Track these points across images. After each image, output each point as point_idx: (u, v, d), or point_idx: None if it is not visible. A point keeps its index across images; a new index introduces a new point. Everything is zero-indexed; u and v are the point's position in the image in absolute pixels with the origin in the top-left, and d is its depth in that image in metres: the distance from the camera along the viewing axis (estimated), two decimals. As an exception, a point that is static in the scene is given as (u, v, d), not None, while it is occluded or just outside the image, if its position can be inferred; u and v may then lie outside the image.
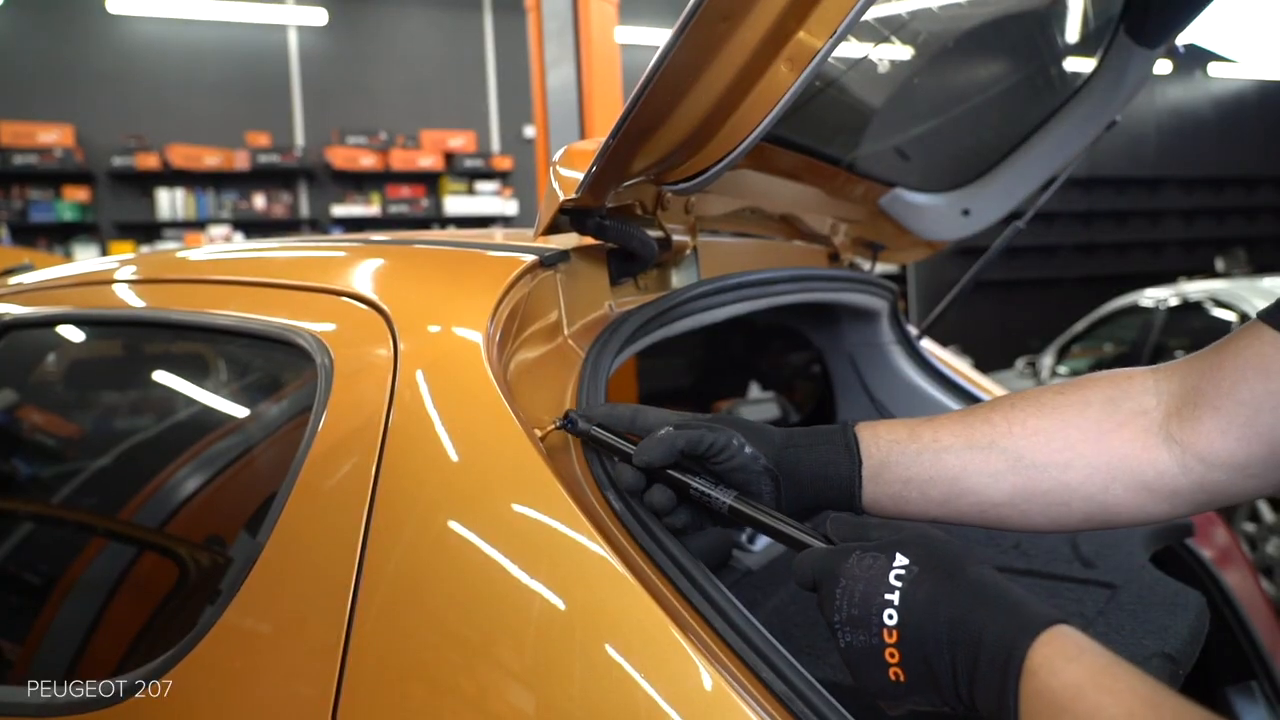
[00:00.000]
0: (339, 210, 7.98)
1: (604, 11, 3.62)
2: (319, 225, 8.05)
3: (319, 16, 8.01)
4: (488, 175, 8.45)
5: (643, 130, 0.72)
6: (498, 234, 1.30)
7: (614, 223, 0.87)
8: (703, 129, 0.73)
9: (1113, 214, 9.81)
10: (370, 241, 1.12)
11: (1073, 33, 1.65)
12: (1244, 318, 3.98)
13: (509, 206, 8.46)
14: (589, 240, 0.92)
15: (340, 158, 7.90)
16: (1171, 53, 1.65)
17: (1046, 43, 1.66)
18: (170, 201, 7.51)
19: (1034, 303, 9.32)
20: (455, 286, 0.92)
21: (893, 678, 0.55)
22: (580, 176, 0.76)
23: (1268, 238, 10.23)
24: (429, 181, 8.33)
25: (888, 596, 0.55)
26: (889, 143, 1.60)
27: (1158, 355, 4.57)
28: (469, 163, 8.31)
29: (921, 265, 8.10)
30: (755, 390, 2.22)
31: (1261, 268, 8.21)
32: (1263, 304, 0.66)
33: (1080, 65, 1.69)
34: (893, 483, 0.71)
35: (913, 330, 1.77)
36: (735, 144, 0.72)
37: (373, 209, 8.08)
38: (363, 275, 0.98)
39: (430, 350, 0.82)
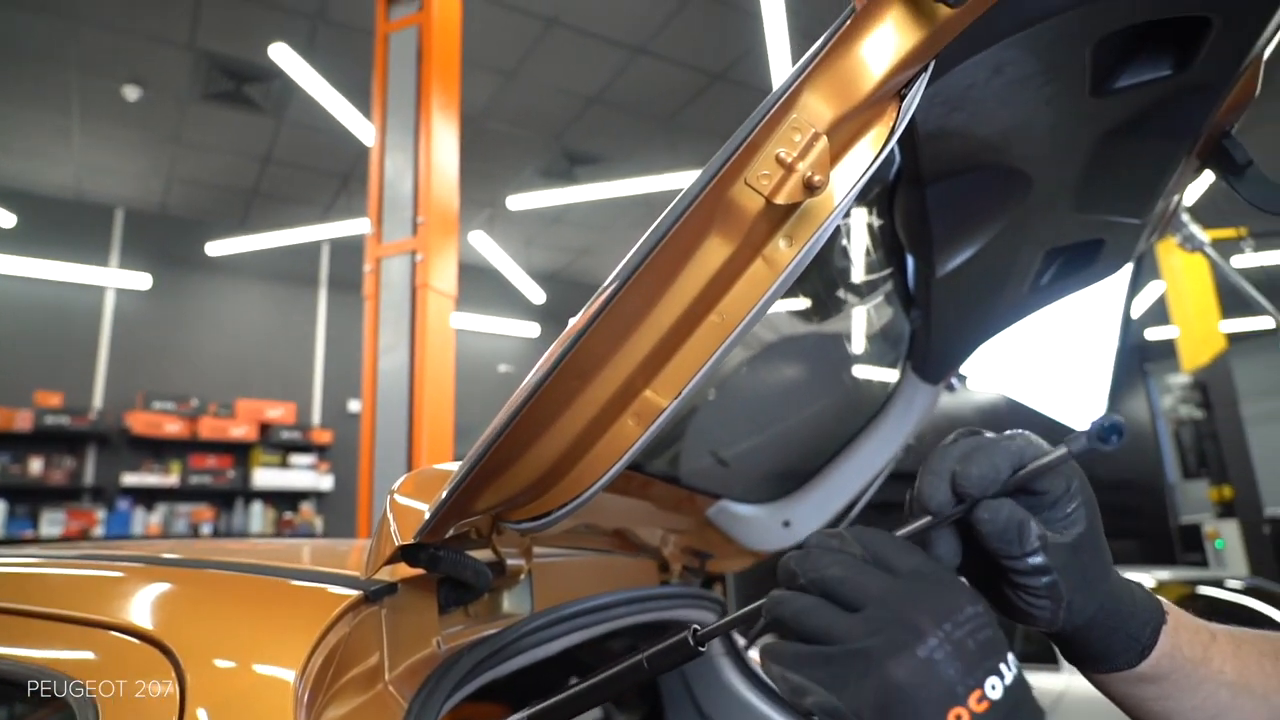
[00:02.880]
0: (130, 479, 7.32)
1: (442, 305, 3.78)
2: (104, 494, 7.32)
3: (143, 281, 7.87)
4: (305, 448, 8.12)
5: (489, 474, 0.71)
6: (305, 548, 1.20)
7: (448, 554, 0.83)
8: (549, 474, 0.73)
9: (909, 507, 10.71)
10: (159, 561, 1.00)
11: (868, 365, 1.87)
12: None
13: (324, 481, 8.09)
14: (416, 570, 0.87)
15: (141, 423, 7.39)
16: (949, 385, 1.89)
17: (847, 372, 1.86)
18: (-79, 462, 6.65)
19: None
20: (263, 626, 0.82)
21: None
22: (420, 508, 0.73)
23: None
24: (239, 451, 7.89)
25: None
26: (711, 451, 1.69)
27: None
28: (286, 434, 8.01)
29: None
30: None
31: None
32: None
33: (877, 391, 1.90)
34: (1158, 680, 0.65)
35: (740, 641, 1.75)
36: (580, 491, 0.73)
37: (171, 479, 7.47)
38: (144, 605, 0.86)
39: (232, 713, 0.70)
